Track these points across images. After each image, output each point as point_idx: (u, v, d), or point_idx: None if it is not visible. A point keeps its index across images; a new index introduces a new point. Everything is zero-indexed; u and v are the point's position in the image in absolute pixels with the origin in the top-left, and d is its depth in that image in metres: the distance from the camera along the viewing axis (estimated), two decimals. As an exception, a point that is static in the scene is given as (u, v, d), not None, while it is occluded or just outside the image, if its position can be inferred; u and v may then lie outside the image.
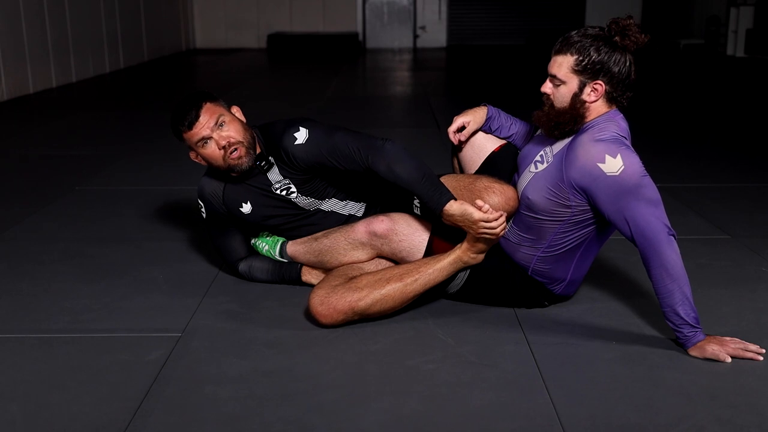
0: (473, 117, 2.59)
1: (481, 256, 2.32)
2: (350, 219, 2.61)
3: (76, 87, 8.66)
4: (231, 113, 2.49)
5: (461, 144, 2.65)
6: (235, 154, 2.42)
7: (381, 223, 2.39)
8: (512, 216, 2.39)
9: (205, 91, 2.49)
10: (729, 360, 2.06)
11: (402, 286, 2.28)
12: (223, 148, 2.41)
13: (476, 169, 2.63)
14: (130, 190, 4.01)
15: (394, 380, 2.01)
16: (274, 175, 2.51)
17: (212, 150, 2.43)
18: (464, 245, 2.31)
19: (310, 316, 2.34)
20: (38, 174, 4.41)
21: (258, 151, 2.50)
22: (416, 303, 2.41)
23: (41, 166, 4.65)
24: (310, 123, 2.48)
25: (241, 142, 2.43)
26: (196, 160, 2.53)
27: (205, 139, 2.42)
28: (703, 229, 3.29)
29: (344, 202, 2.61)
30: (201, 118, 2.40)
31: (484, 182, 2.41)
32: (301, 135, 2.44)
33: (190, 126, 2.40)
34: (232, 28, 14.32)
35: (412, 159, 2.34)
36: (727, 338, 2.12)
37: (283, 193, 2.53)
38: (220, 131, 2.41)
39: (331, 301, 2.25)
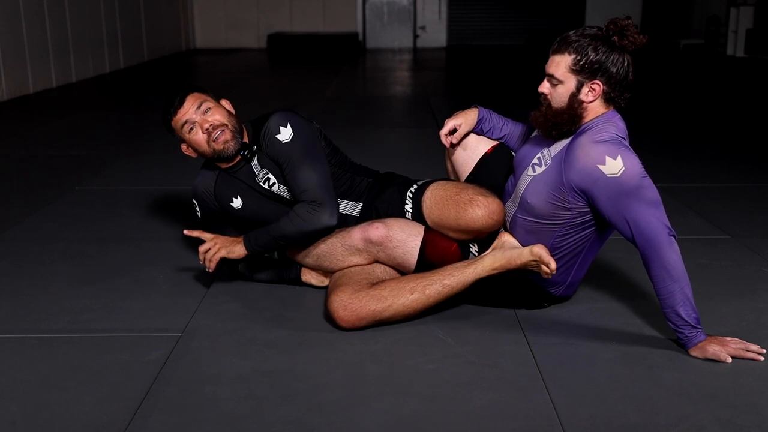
0: (464, 119, 2.58)
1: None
2: (347, 218, 2.59)
3: (76, 87, 8.65)
4: (218, 103, 2.53)
5: (453, 147, 2.64)
6: (221, 138, 2.44)
7: (376, 230, 2.39)
8: (497, 228, 2.38)
9: (194, 85, 2.54)
10: (730, 360, 2.06)
11: (425, 298, 2.29)
12: (207, 131, 2.44)
13: (469, 171, 2.61)
14: (130, 190, 4.01)
15: (394, 380, 2.01)
16: (256, 164, 2.53)
17: (198, 135, 2.46)
18: (499, 265, 2.28)
19: (329, 317, 2.31)
20: (38, 174, 4.40)
21: (246, 140, 2.52)
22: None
23: (41, 166, 4.65)
24: (299, 127, 2.46)
25: (226, 125, 2.46)
26: (187, 152, 2.56)
27: (190, 124, 2.46)
28: (703, 229, 3.29)
29: (339, 200, 2.59)
30: (186, 103, 2.46)
31: (470, 194, 2.38)
32: (286, 132, 2.44)
33: (175, 111, 2.46)
34: (232, 28, 14.32)
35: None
36: (728, 338, 2.12)
37: (266, 185, 2.54)
38: (204, 116, 2.46)
39: (355, 307, 2.25)
